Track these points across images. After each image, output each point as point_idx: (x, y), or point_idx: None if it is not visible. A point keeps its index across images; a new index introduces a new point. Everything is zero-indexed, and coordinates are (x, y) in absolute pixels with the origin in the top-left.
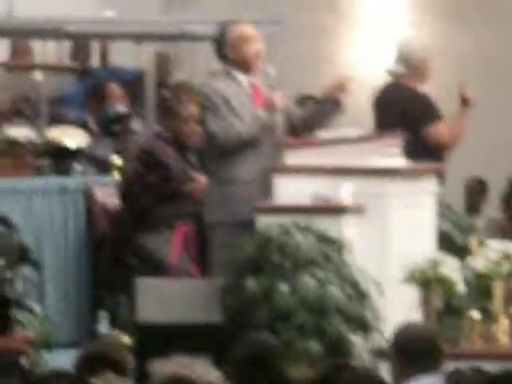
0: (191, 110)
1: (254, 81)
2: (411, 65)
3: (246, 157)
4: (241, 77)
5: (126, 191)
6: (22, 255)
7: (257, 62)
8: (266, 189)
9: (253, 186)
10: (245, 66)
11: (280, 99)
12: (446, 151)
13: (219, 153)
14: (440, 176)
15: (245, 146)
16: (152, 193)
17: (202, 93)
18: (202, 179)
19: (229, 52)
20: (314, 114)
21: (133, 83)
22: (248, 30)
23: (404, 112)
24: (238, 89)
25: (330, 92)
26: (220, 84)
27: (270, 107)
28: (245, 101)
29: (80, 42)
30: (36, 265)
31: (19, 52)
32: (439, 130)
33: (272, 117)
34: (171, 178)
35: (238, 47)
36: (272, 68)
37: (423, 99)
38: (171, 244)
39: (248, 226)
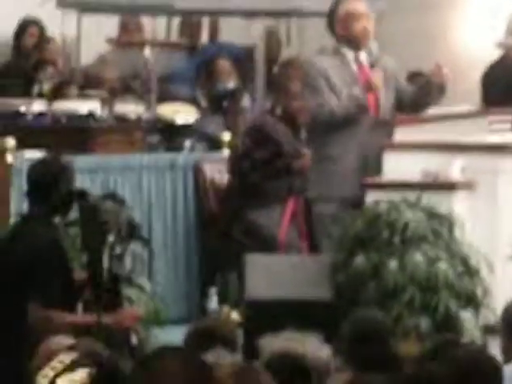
0: (300, 86)
1: (362, 58)
2: None
3: (341, 135)
4: (349, 54)
5: (236, 167)
6: (131, 231)
7: (364, 39)
8: (364, 167)
9: (348, 164)
10: (353, 42)
11: (378, 78)
12: None
13: (316, 129)
14: None
15: (340, 124)
16: (262, 169)
17: (303, 70)
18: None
19: (338, 29)
20: (420, 95)
21: (242, 60)
22: (356, 6)
23: (509, 86)
24: (342, 66)
25: (432, 76)
26: (323, 61)
27: (368, 86)
28: (347, 79)
29: (189, 19)
30: (145, 241)
31: (129, 28)
32: None
33: (366, 97)
34: (281, 154)
35: (346, 24)
36: (375, 45)
37: None
38: (281, 220)
39: (345, 202)
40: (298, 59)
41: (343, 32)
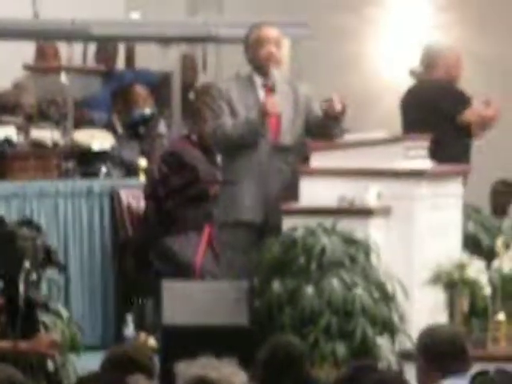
0: (209, 112)
1: (270, 83)
2: (430, 64)
3: (239, 158)
4: (257, 79)
5: (152, 193)
6: (47, 257)
7: (268, 64)
8: (263, 190)
9: (247, 188)
10: (258, 68)
11: (273, 104)
12: (477, 135)
13: (219, 153)
14: (465, 177)
15: (235, 147)
16: (178, 195)
17: (210, 94)
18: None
19: (248, 54)
20: (319, 125)
21: (159, 85)
22: (266, 32)
23: (437, 105)
24: (248, 91)
25: (326, 109)
26: (230, 85)
27: (262, 112)
28: (250, 103)
29: (106, 45)
30: (61, 267)
31: (46, 54)
32: (470, 113)
33: (265, 121)
34: (197, 180)
35: (254, 49)
36: (275, 70)
37: (454, 88)
38: (197, 246)
39: (248, 226)
40: (213, 85)
41: (251, 57)
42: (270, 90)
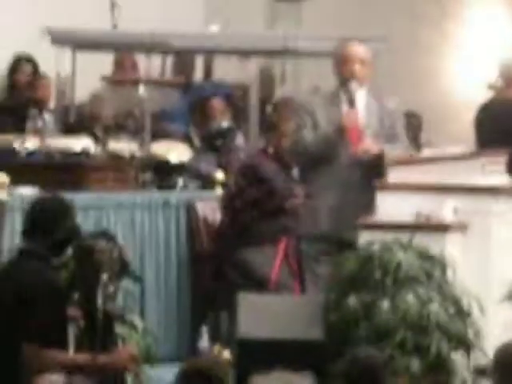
0: (292, 125)
1: (350, 98)
2: (510, 81)
3: (319, 172)
4: (342, 95)
5: (229, 206)
6: (123, 268)
7: (348, 81)
8: (342, 203)
9: (326, 201)
10: (342, 84)
11: (351, 117)
12: None
13: (302, 167)
14: None
15: (315, 160)
16: (254, 208)
17: (291, 107)
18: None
19: (334, 69)
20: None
21: (236, 98)
22: (350, 49)
23: (510, 123)
24: (332, 106)
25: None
26: (314, 100)
27: (340, 125)
28: (333, 118)
29: (184, 57)
30: (137, 278)
31: (124, 66)
32: None
33: (343, 135)
34: (274, 193)
35: (338, 66)
36: (358, 85)
37: None
38: (273, 259)
39: (326, 239)
40: (291, 99)
41: (337, 72)
42: (350, 104)
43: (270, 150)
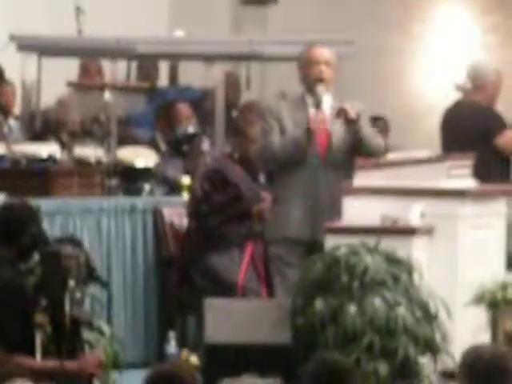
0: (258, 130)
1: (316, 101)
2: (479, 84)
3: (287, 176)
4: (309, 99)
5: (195, 211)
6: (90, 274)
7: (315, 84)
8: (312, 206)
9: (296, 205)
10: (309, 87)
11: (318, 120)
12: None
13: (269, 171)
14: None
15: (283, 164)
16: (221, 213)
17: (258, 112)
18: (269, 198)
19: (299, 73)
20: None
21: (202, 103)
22: (315, 52)
23: (475, 126)
24: (298, 109)
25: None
26: (280, 104)
27: (307, 128)
28: (299, 121)
29: (149, 62)
30: (104, 284)
31: (89, 72)
32: (503, 138)
33: (311, 138)
34: (240, 198)
35: (305, 69)
36: (324, 88)
37: (492, 112)
38: (239, 264)
39: (297, 243)
40: (257, 103)
41: (303, 76)
42: (316, 107)
43: (236, 154)
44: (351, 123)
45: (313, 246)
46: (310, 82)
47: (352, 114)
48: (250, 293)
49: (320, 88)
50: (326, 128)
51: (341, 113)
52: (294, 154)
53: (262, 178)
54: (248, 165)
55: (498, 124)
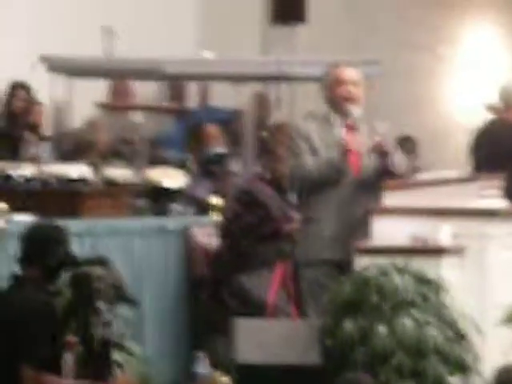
0: (287, 150)
1: (351, 122)
2: (510, 105)
3: (321, 197)
4: (335, 118)
5: (226, 231)
6: (119, 295)
7: (346, 103)
8: (348, 229)
9: (329, 226)
10: (336, 107)
11: (354, 141)
12: None
13: (300, 192)
14: None
15: (317, 185)
16: (251, 233)
17: (289, 134)
18: (298, 218)
19: (325, 93)
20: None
21: (231, 123)
22: (343, 72)
23: (507, 145)
24: (327, 130)
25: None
26: (309, 125)
27: (343, 149)
28: (330, 142)
29: (179, 83)
30: (134, 304)
31: (119, 93)
32: None
33: (346, 159)
34: (270, 218)
35: (332, 89)
36: (355, 108)
37: None
38: (270, 284)
39: (328, 263)
40: (286, 123)
41: (329, 96)
42: (351, 128)
43: (267, 175)
44: (385, 154)
45: (345, 267)
46: (339, 101)
47: (388, 147)
48: (280, 313)
49: (354, 109)
50: (359, 149)
51: (377, 147)
52: (330, 175)
53: (291, 197)
54: (278, 185)
55: None
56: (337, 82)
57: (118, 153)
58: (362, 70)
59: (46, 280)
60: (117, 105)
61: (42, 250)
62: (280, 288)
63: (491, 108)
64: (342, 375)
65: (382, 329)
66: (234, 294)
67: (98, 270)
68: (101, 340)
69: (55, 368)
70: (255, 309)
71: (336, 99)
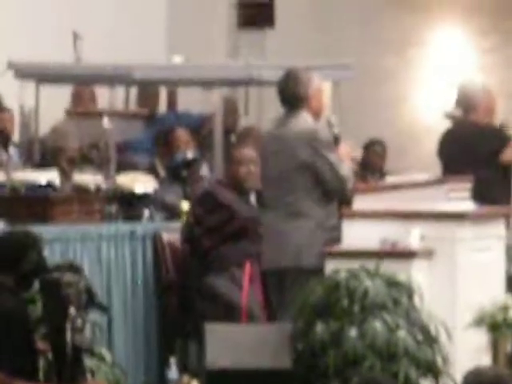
0: (246, 152)
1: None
2: (471, 106)
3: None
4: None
5: (189, 235)
6: (90, 300)
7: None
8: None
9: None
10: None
11: (345, 151)
12: None
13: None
14: (507, 219)
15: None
16: (215, 234)
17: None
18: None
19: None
20: None
21: (200, 129)
22: (322, 83)
23: (479, 146)
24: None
25: None
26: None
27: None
28: None
29: (147, 88)
30: (104, 309)
31: (83, 98)
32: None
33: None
34: (234, 217)
35: (315, 98)
36: (334, 117)
37: (494, 130)
38: (240, 283)
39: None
40: (255, 128)
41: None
42: (336, 138)
43: (226, 178)
44: None
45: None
46: (322, 112)
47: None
48: (253, 314)
49: (332, 118)
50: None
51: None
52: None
53: (252, 199)
54: (237, 187)
55: (502, 141)
56: (320, 92)
57: (87, 159)
58: (332, 74)
59: (19, 287)
60: (82, 110)
61: (15, 257)
62: (249, 289)
63: (450, 116)
64: (314, 381)
65: (352, 332)
66: (204, 297)
67: (68, 276)
68: (72, 346)
69: (27, 374)
70: (228, 310)
71: (322, 110)
